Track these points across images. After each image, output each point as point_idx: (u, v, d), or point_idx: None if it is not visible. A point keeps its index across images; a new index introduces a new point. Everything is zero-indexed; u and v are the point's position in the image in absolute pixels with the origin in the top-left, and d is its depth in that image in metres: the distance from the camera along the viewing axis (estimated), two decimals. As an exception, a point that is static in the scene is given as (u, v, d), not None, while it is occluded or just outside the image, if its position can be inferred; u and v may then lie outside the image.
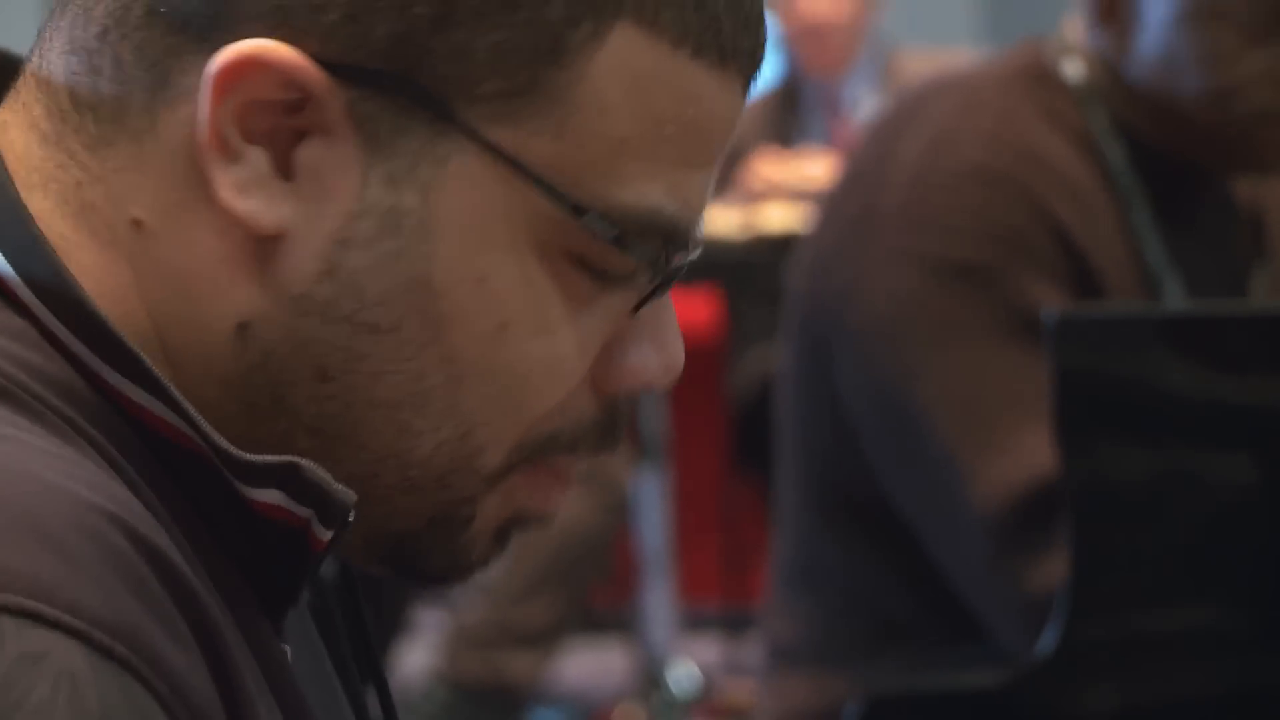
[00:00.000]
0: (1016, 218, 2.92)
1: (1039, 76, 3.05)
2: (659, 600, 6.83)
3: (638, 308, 1.32)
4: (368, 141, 1.25)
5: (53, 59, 1.30)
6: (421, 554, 1.35)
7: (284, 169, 1.25)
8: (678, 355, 1.34)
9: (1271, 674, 2.74)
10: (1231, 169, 3.07)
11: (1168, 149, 2.99)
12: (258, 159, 1.24)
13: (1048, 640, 2.76)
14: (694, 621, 7.21)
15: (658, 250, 1.29)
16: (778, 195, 6.07)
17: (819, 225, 3.16)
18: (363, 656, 1.51)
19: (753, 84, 1.34)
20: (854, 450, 2.98)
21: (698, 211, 1.32)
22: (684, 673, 6.87)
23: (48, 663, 1.10)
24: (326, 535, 1.26)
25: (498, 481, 1.32)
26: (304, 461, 1.24)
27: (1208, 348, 2.85)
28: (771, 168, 6.29)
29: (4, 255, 1.25)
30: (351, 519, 1.26)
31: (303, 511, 1.25)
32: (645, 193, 1.28)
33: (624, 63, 1.27)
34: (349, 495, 1.25)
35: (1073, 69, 2.99)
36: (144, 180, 1.27)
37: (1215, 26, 2.89)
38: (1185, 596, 2.83)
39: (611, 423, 1.35)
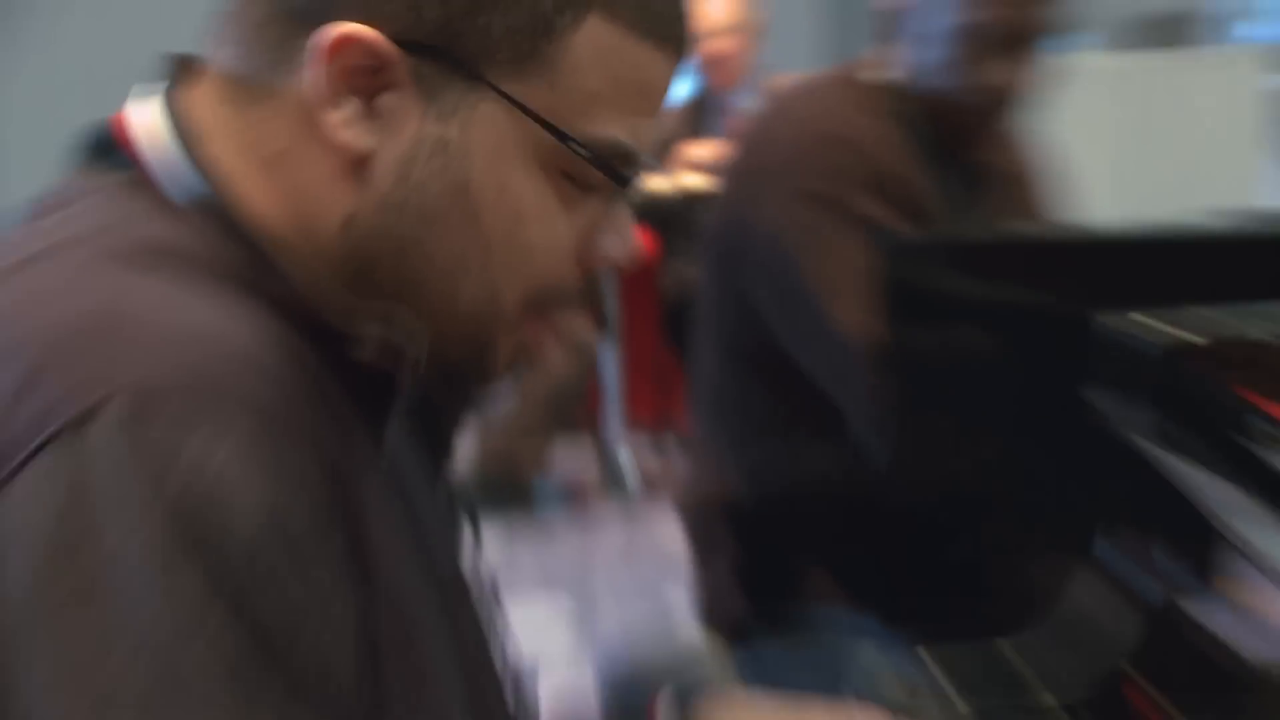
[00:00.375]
0: (850, 164, 3.44)
1: (849, 82, 3.64)
2: (614, 420, 8.22)
3: (606, 209, 1.58)
4: (424, 93, 1.48)
5: (218, 53, 1.55)
6: (464, 373, 1.58)
7: (369, 112, 1.48)
8: (634, 243, 1.58)
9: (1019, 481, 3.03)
10: (974, 139, 3.62)
11: (938, 125, 3.56)
12: (352, 105, 1.48)
13: (889, 434, 3.28)
14: (636, 432, 8.40)
15: (618, 168, 1.53)
16: (693, 167, 7.54)
17: (725, 181, 3.71)
18: (441, 458, 1.73)
19: (681, 61, 1.57)
20: (750, 317, 3.53)
21: (645, 145, 1.54)
22: (629, 465, 8.11)
23: (228, 429, 1.28)
24: (403, 374, 1.49)
25: (513, 327, 1.56)
26: (398, 320, 1.48)
27: (978, 260, 3.06)
28: (690, 150, 7.51)
29: (197, 185, 1.50)
30: (421, 364, 1.48)
31: (388, 359, 1.49)
32: (609, 129, 1.52)
33: (594, 40, 1.50)
34: (419, 351, 1.48)
35: (869, 75, 3.63)
36: (280, 125, 1.51)
37: (972, 44, 3.44)
38: (964, 423, 3.10)
39: (589, 290, 1.59)
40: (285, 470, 1.30)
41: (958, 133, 3.58)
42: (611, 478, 8.21)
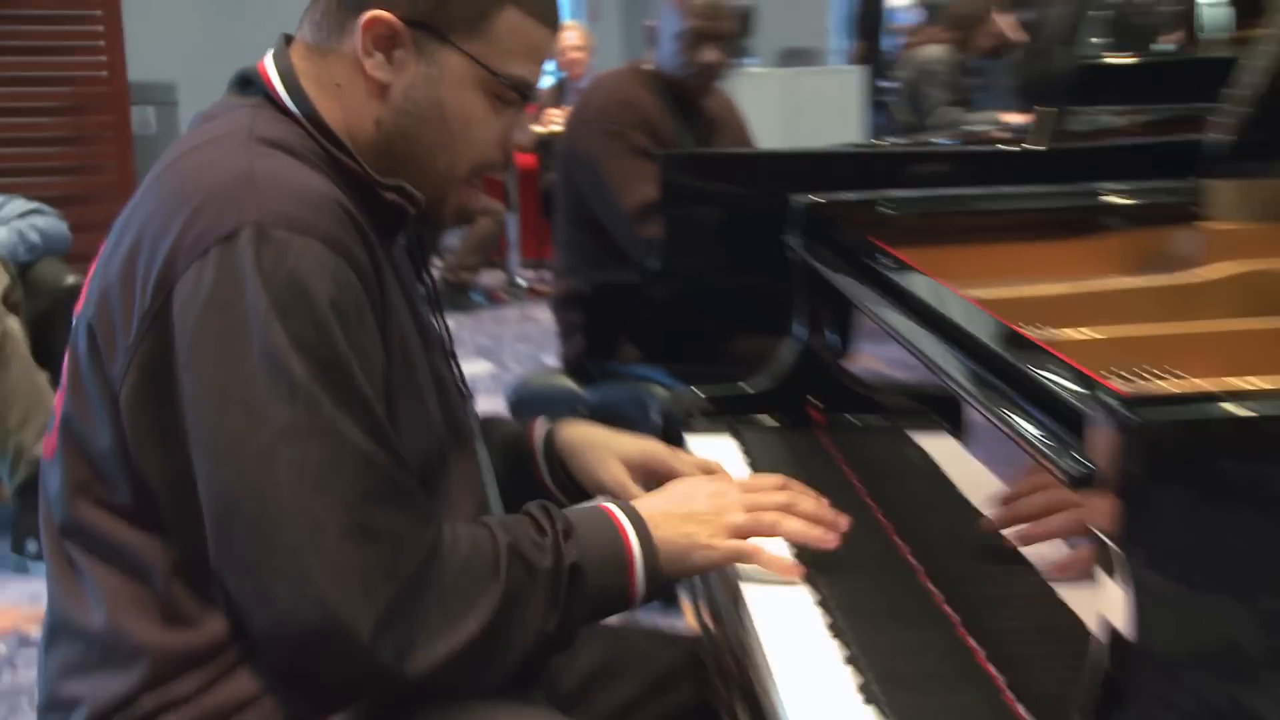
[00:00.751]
0: (632, 115, 3.39)
1: (634, 70, 3.56)
2: (514, 256, 8.09)
3: (515, 118, 1.50)
4: (418, 49, 1.44)
5: (305, 28, 1.50)
6: (430, 215, 1.50)
7: (389, 60, 1.44)
8: (530, 137, 1.57)
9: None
10: (698, 99, 3.53)
11: (677, 92, 3.48)
12: (379, 56, 1.44)
13: (656, 262, 3.14)
14: (526, 264, 8.22)
15: (523, 92, 1.48)
16: (555, 120, 7.05)
17: (569, 127, 3.59)
18: (425, 272, 1.64)
19: (556, 37, 1.53)
20: (580, 198, 3.45)
21: (537, 82, 1.50)
22: (522, 281, 8.08)
23: (310, 246, 1.30)
24: (411, 210, 1.47)
25: (461, 183, 1.50)
26: (405, 184, 1.46)
27: (742, 173, 3.08)
28: (553, 112, 7.30)
29: (293, 101, 1.46)
30: (422, 203, 1.47)
31: (404, 202, 1.46)
32: (518, 69, 1.47)
33: (510, 20, 1.45)
34: (419, 194, 1.46)
35: (644, 66, 3.53)
36: (339, 69, 1.46)
37: (686, 41, 3.41)
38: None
39: (506, 162, 1.52)
40: (339, 273, 1.31)
41: (688, 96, 3.50)
42: (513, 289, 8.14)
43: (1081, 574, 1.31)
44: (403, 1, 1.42)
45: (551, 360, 5.95)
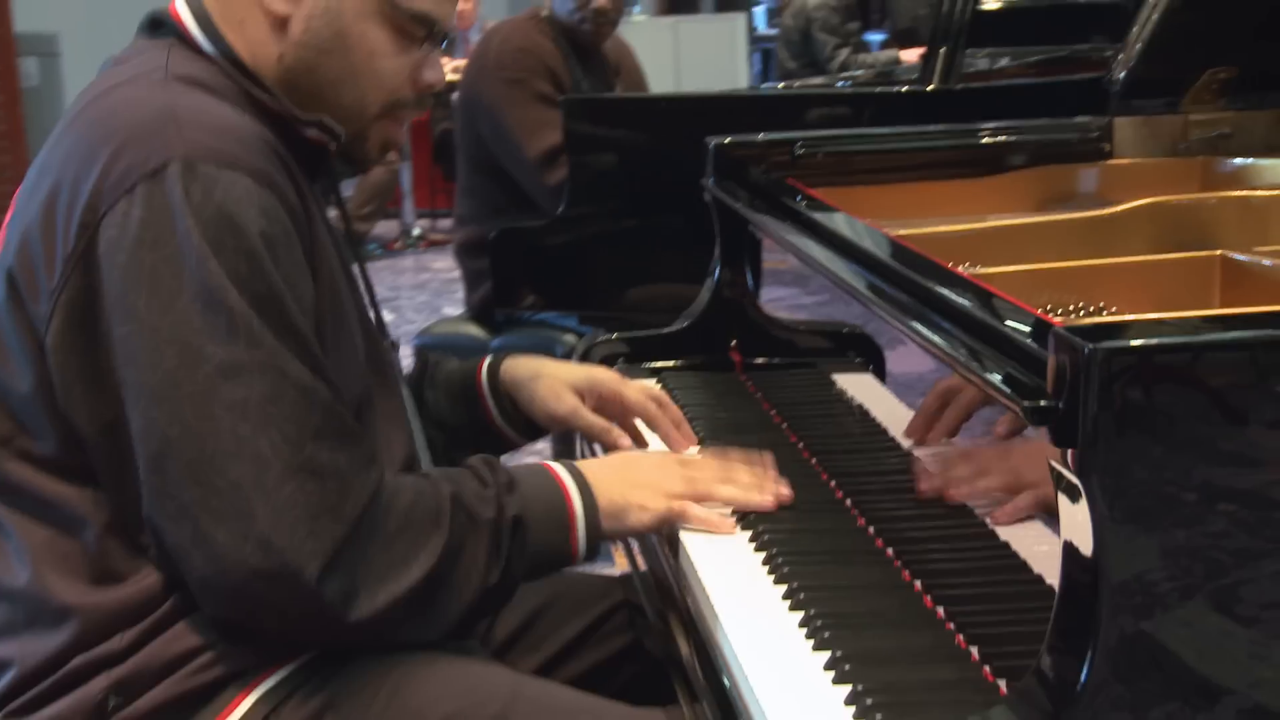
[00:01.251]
0: (533, 61, 3.32)
1: (533, 16, 3.47)
2: (408, 204, 7.95)
3: (426, 56, 1.45)
4: None
5: None
6: (351, 152, 1.46)
7: None
8: (442, 77, 1.47)
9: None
10: (593, 44, 3.46)
11: (572, 37, 3.42)
12: None
13: (561, 209, 3.12)
14: (420, 213, 8.18)
15: (427, 26, 1.42)
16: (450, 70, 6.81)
17: (466, 74, 3.49)
18: (342, 214, 1.61)
19: None
20: (482, 145, 3.37)
21: (448, 17, 1.44)
22: (418, 227, 8.00)
23: (239, 181, 1.25)
24: (332, 145, 1.43)
25: (377, 119, 1.44)
26: (325, 118, 1.41)
27: (645, 117, 3.07)
28: (445, 62, 7.17)
29: (207, 40, 1.40)
30: (342, 136, 1.43)
31: (324, 137, 1.42)
32: (421, 4, 1.41)
33: None
34: (339, 127, 1.42)
35: (543, 13, 3.46)
36: (240, 4, 1.40)
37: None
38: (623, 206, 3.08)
39: (418, 101, 1.47)
40: (268, 206, 1.26)
41: (585, 42, 3.45)
42: (408, 238, 8.04)
43: (1017, 513, 1.33)
44: None
45: (450, 309, 5.91)
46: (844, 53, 6.76)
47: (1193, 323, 1.02)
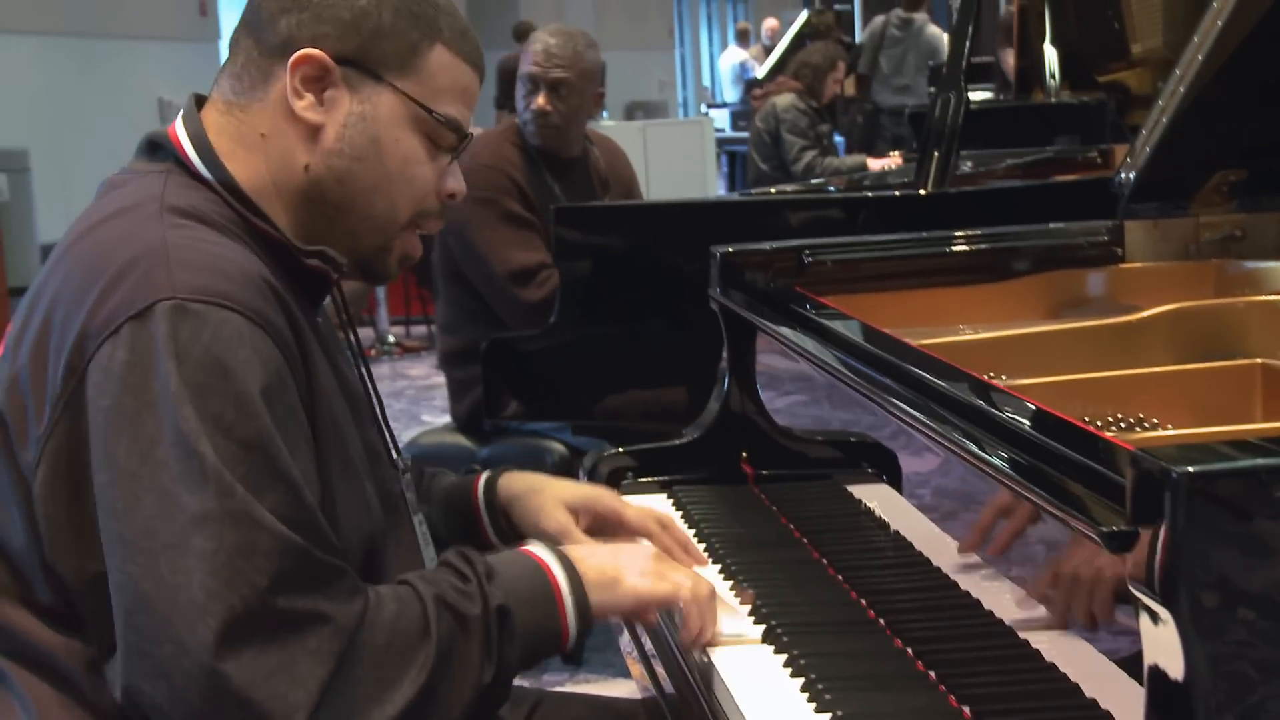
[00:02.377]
0: (499, 179, 3.25)
1: (507, 127, 3.44)
2: (382, 313, 7.94)
3: (447, 165, 1.43)
4: (350, 88, 1.37)
5: (222, 85, 1.41)
6: (374, 267, 1.44)
7: (320, 101, 1.36)
8: (463, 185, 1.45)
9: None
10: (555, 150, 3.38)
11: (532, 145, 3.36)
12: (310, 98, 1.36)
13: (546, 321, 3.06)
14: (396, 320, 8.17)
15: (457, 134, 1.41)
16: None
17: None
18: (350, 331, 1.56)
19: (480, 80, 1.46)
20: (455, 263, 3.31)
21: (469, 126, 1.43)
22: (392, 335, 7.90)
23: (230, 320, 1.21)
24: (335, 275, 1.41)
25: (402, 232, 1.43)
26: (328, 249, 1.38)
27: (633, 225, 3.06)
28: None
29: (205, 167, 1.36)
30: (345, 268, 1.41)
31: (324, 266, 1.39)
32: (450, 109, 1.40)
33: (440, 59, 1.40)
34: (342, 259, 1.40)
35: (517, 123, 3.41)
36: (264, 118, 1.38)
37: (528, 99, 3.30)
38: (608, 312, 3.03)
39: (441, 210, 1.45)
40: (261, 347, 1.22)
41: (551, 147, 3.38)
42: (383, 345, 7.92)
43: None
44: (331, 39, 1.36)
45: (429, 416, 5.85)
46: (809, 155, 6.81)
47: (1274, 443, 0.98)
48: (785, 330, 1.80)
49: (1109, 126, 3.57)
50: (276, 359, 1.23)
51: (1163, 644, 0.93)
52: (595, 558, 1.40)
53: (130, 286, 1.21)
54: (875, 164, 6.81)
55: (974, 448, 1.22)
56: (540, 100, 3.30)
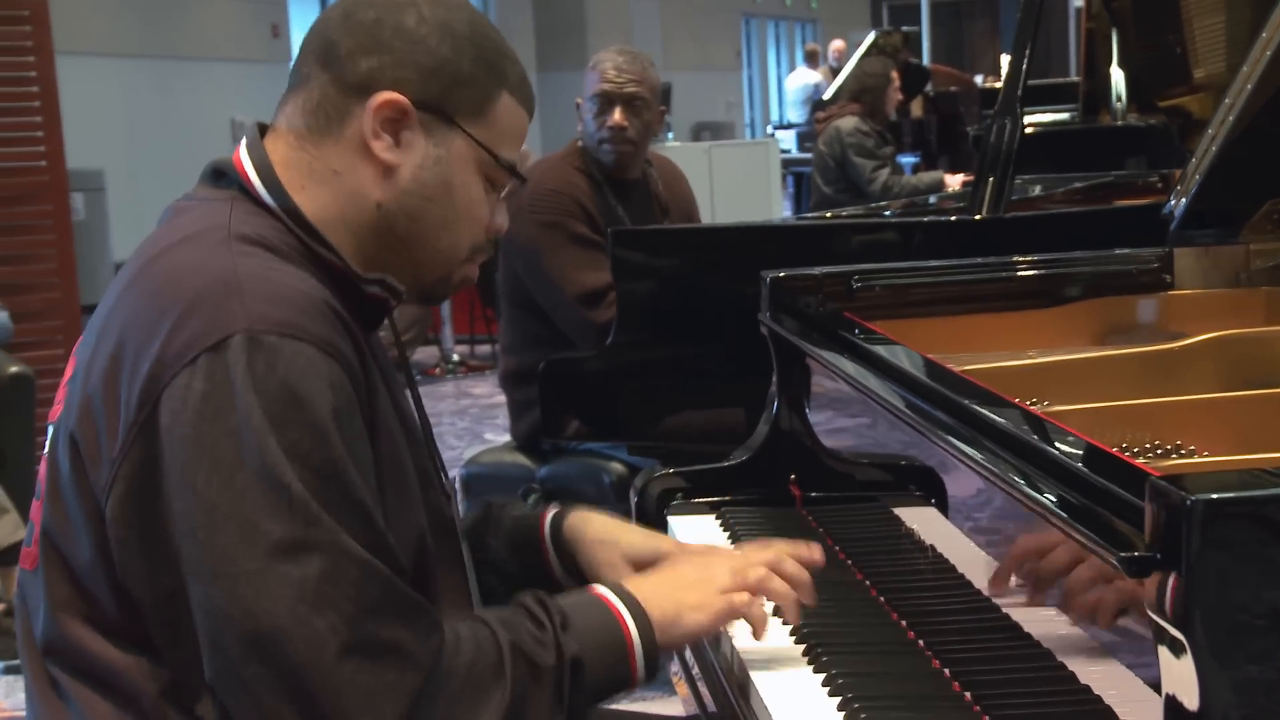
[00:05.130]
0: (566, 203, 3.29)
1: (571, 150, 3.45)
2: (448, 333, 8.01)
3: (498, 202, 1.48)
4: (426, 131, 1.41)
5: (292, 117, 1.43)
6: (433, 291, 1.49)
7: (397, 142, 1.40)
8: (507, 221, 1.50)
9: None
10: (620, 172, 3.41)
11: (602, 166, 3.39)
12: (388, 139, 1.40)
13: (609, 339, 3.08)
14: (461, 339, 8.18)
15: (515, 175, 1.46)
16: None
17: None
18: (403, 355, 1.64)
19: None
20: (520, 284, 3.35)
21: (520, 168, 1.48)
22: (457, 354, 7.96)
23: (303, 351, 1.24)
24: (394, 302, 1.44)
25: (462, 264, 1.47)
26: (388, 278, 1.42)
27: (699, 249, 3.06)
28: None
29: (270, 195, 1.39)
30: (404, 295, 1.44)
31: (384, 293, 1.42)
32: (510, 153, 1.45)
33: (506, 106, 1.44)
34: (401, 287, 1.43)
35: (580, 145, 3.43)
36: (337, 153, 1.41)
37: (601, 118, 3.32)
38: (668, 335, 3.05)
39: (491, 244, 1.50)
40: (333, 377, 1.26)
41: (617, 166, 3.41)
42: (446, 363, 8.00)
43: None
44: (413, 84, 1.39)
45: (491, 435, 5.89)
46: (884, 174, 6.81)
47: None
48: (828, 355, 1.83)
49: (1175, 150, 3.55)
50: (346, 386, 1.26)
51: (1178, 672, 0.94)
52: (659, 598, 1.43)
53: (204, 317, 1.24)
54: (952, 180, 6.78)
55: (993, 467, 1.24)
56: (616, 116, 3.33)
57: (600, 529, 1.65)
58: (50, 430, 1.36)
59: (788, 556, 1.52)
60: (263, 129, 1.45)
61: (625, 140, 3.35)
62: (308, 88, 1.42)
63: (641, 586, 1.44)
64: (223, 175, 1.42)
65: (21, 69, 4.79)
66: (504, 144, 1.44)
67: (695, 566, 1.49)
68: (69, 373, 1.37)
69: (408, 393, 1.56)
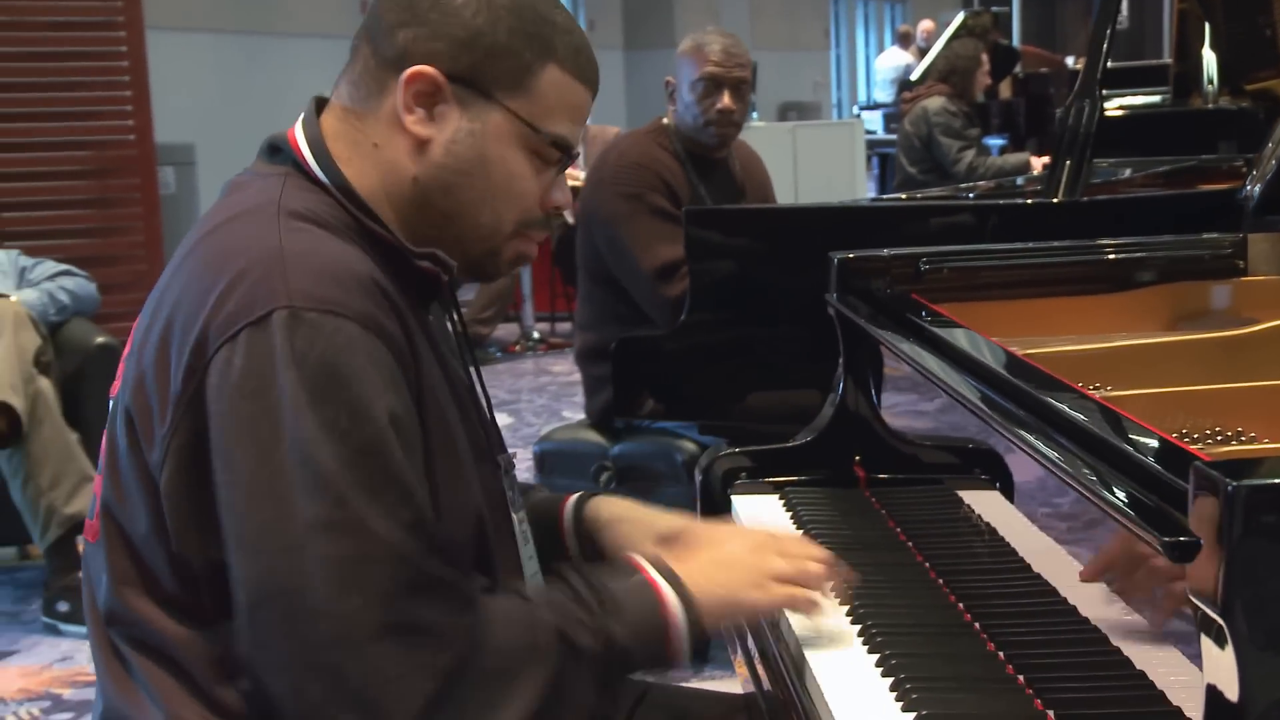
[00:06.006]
0: (649, 176, 3.36)
1: (654, 127, 3.52)
2: (527, 309, 8.02)
3: (555, 178, 1.46)
4: (460, 104, 1.40)
5: (341, 90, 1.45)
6: (483, 271, 1.48)
7: (431, 116, 1.39)
8: (569, 198, 1.48)
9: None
10: (706, 147, 3.46)
11: (692, 146, 3.45)
12: (421, 112, 1.39)
13: (680, 318, 3.08)
14: (541, 317, 8.23)
15: (563, 151, 1.44)
16: (571, 178, 6.95)
17: (586, 186, 3.52)
18: (462, 336, 1.59)
19: (594, 97, 1.47)
20: (599, 258, 3.42)
21: (577, 143, 1.45)
22: (537, 331, 8.06)
23: (343, 328, 1.25)
24: (445, 276, 1.44)
25: (509, 239, 1.45)
26: (438, 251, 1.42)
27: (763, 228, 3.07)
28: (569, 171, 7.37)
29: (322, 170, 1.40)
30: (455, 269, 1.44)
31: (437, 268, 1.42)
32: (559, 128, 1.42)
33: (552, 78, 1.42)
34: (452, 262, 1.43)
35: (664, 123, 3.50)
36: (377, 128, 1.41)
37: (700, 98, 3.37)
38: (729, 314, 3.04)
39: (546, 221, 1.47)
40: (375, 353, 1.26)
41: (707, 149, 3.48)
42: (528, 342, 8.03)
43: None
44: (445, 57, 1.39)
45: (569, 413, 5.94)
46: (969, 154, 6.76)
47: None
48: (891, 336, 1.83)
49: (1264, 135, 3.49)
50: (389, 363, 1.26)
51: (1220, 661, 0.94)
52: (710, 581, 1.43)
53: (247, 292, 1.25)
54: (1038, 162, 6.72)
55: (1042, 447, 1.24)
56: (726, 99, 3.40)
57: (623, 508, 1.65)
58: (110, 405, 1.38)
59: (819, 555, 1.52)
60: (322, 104, 1.47)
61: (731, 123, 3.43)
62: (356, 60, 1.44)
63: (689, 568, 1.44)
64: (278, 151, 1.43)
65: (112, 44, 4.87)
66: (551, 118, 1.42)
67: (748, 549, 1.49)
68: (128, 348, 1.39)
69: (473, 370, 1.58)
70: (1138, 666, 1.31)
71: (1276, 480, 0.92)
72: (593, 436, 3.46)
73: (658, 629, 1.38)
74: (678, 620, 1.39)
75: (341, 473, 1.20)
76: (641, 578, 1.41)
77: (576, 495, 1.67)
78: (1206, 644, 0.96)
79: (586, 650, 1.32)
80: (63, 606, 3.78)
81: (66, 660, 3.63)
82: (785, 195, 3.89)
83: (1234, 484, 0.90)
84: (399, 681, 1.20)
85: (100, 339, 4.01)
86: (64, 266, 4.13)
